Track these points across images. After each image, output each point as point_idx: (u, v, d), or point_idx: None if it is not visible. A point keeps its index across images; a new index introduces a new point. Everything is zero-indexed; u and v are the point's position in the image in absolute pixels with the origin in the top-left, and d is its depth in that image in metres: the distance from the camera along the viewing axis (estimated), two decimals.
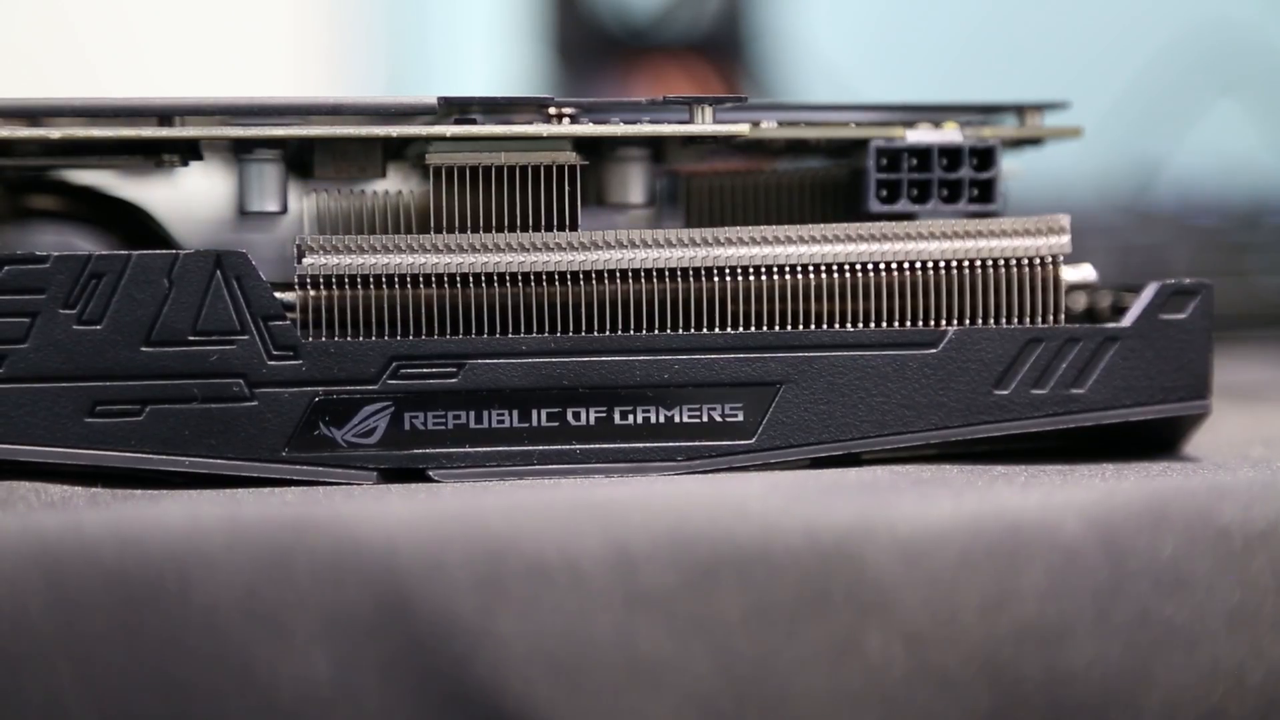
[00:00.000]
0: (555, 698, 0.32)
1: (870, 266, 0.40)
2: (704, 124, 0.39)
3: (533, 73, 1.11)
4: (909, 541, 0.33)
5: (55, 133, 0.38)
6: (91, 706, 0.32)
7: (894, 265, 0.40)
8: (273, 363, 0.38)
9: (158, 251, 0.38)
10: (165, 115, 0.38)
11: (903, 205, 0.41)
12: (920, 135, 0.41)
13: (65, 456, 0.38)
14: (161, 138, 0.38)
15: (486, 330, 0.39)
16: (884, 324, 0.40)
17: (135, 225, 0.45)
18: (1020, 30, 1.28)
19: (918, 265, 0.40)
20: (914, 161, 0.41)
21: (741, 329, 0.39)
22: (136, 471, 0.38)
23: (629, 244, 0.39)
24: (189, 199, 0.56)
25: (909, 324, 0.40)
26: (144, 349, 0.38)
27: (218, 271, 0.38)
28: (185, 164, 0.40)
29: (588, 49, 1.07)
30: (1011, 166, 0.42)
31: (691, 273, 0.39)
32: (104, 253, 0.38)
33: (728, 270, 0.39)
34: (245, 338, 0.38)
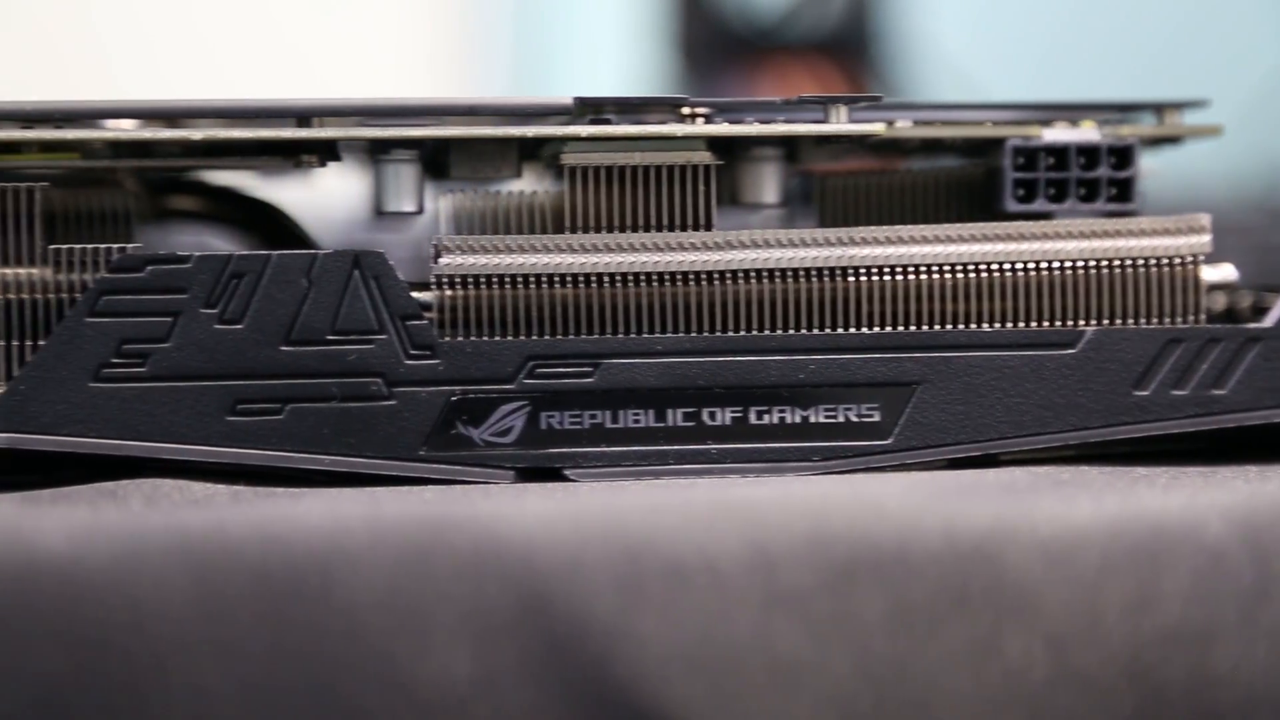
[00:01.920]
0: (693, 698, 0.32)
1: (1007, 266, 0.39)
2: (839, 123, 0.39)
3: (656, 73, 1.11)
4: (1050, 543, 0.33)
5: (197, 134, 0.39)
6: (235, 703, 0.32)
7: (1031, 265, 0.39)
8: (410, 362, 0.38)
9: (297, 251, 0.38)
10: (304, 116, 0.39)
11: (1040, 204, 0.40)
12: (1057, 134, 0.40)
13: (207, 454, 0.38)
14: (300, 138, 0.39)
15: (622, 330, 0.39)
16: (1021, 324, 0.39)
17: (273, 225, 0.46)
18: (1151, 27, 1.27)
19: (1055, 265, 0.39)
20: (1051, 160, 0.40)
21: (877, 329, 0.39)
22: (276, 469, 0.38)
23: (764, 244, 0.39)
24: (318, 199, 0.56)
25: (1046, 324, 0.39)
26: (284, 348, 0.38)
27: (356, 271, 0.38)
28: (323, 164, 0.40)
29: (712, 49, 1.07)
30: (1150, 165, 0.42)
31: (827, 272, 0.39)
32: (244, 253, 0.38)
33: (863, 270, 0.39)
34: (383, 337, 0.38)
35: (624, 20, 1.21)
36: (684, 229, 0.39)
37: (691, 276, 0.39)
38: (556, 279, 0.39)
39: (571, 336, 0.39)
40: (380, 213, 0.40)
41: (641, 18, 1.14)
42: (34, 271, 0.38)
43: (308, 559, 0.32)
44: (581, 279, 0.39)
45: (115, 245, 0.38)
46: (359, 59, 1.26)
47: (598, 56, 1.30)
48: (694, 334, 0.39)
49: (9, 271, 0.38)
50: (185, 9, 1.24)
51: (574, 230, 0.39)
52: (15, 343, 0.38)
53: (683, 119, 0.40)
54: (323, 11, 1.28)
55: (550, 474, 0.39)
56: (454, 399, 0.38)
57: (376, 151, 0.40)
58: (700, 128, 0.39)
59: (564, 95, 0.39)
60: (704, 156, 0.39)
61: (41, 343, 0.38)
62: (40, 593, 0.31)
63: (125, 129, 0.39)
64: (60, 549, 0.31)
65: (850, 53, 1.06)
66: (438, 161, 0.42)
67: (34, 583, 0.31)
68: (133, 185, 0.41)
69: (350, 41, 1.28)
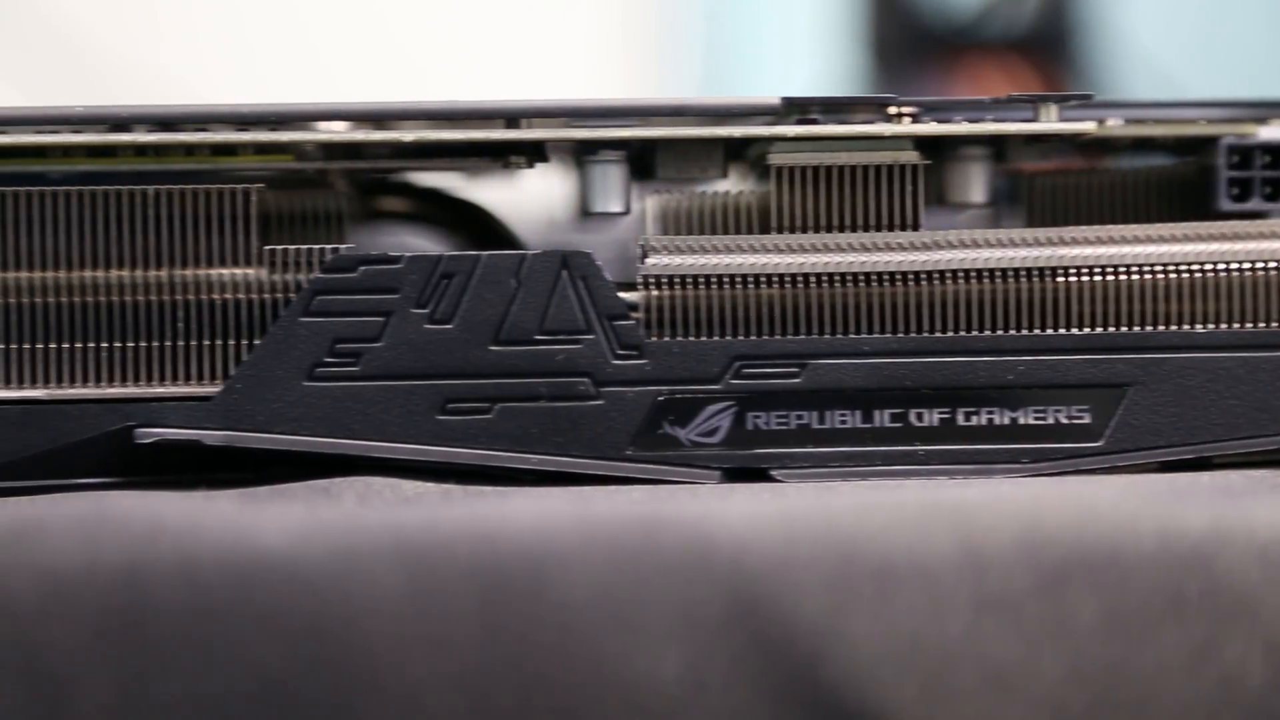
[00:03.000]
0: (903, 701, 0.32)
1: (1221, 266, 0.39)
2: (1050, 122, 0.39)
3: (848, 72, 1.11)
4: (1268, 547, 0.33)
5: (409, 135, 0.39)
6: (446, 698, 0.32)
7: (1246, 265, 0.39)
8: (617, 362, 0.38)
9: (506, 252, 0.39)
10: (512, 118, 0.39)
11: (1255, 204, 0.40)
12: (1274, 132, 0.40)
13: (417, 453, 0.38)
14: (510, 139, 0.39)
15: (828, 330, 0.39)
16: (1235, 325, 0.39)
17: (480, 226, 0.46)
18: None
19: (1271, 265, 0.39)
20: (1267, 159, 0.40)
21: (1087, 330, 0.39)
22: (485, 468, 0.39)
23: (972, 244, 0.39)
24: (511, 199, 0.57)
25: (1261, 325, 0.39)
26: (492, 348, 0.38)
27: (564, 272, 0.38)
28: (531, 166, 0.40)
29: (905, 48, 1.07)
30: None
31: (1036, 273, 0.39)
32: (454, 253, 0.38)
33: (1073, 270, 0.39)
34: (591, 337, 0.38)
35: (814, 19, 1.21)
36: (891, 229, 0.39)
37: (899, 277, 0.39)
38: (763, 279, 0.39)
39: (778, 337, 0.39)
40: (587, 213, 0.41)
41: (832, 17, 1.14)
42: (249, 272, 0.38)
43: (519, 558, 0.33)
44: (788, 279, 0.39)
45: (328, 246, 0.38)
46: (551, 60, 1.27)
47: (788, 56, 1.29)
48: (901, 335, 0.39)
49: (225, 272, 0.38)
50: (388, 12, 1.26)
51: (780, 230, 0.39)
52: (231, 342, 0.38)
53: (890, 119, 0.39)
54: (515, 12, 1.29)
55: (756, 474, 0.39)
56: (661, 399, 0.38)
57: (583, 152, 0.40)
58: (908, 127, 0.39)
59: (770, 95, 0.39)
60: (911, 156, 0.39)
61: (257, 342, 0.38)
62: (261, 588, 0.32)
63: (337, 130, 0.40)
64: (280, 545, 0.32)
65: (1045, 51, 1.05)
66: (643, 162, 0.42)
67: (255, 578, 0.32)
68: (343, 186, 0.42)
69: (540, 42, 1.29)
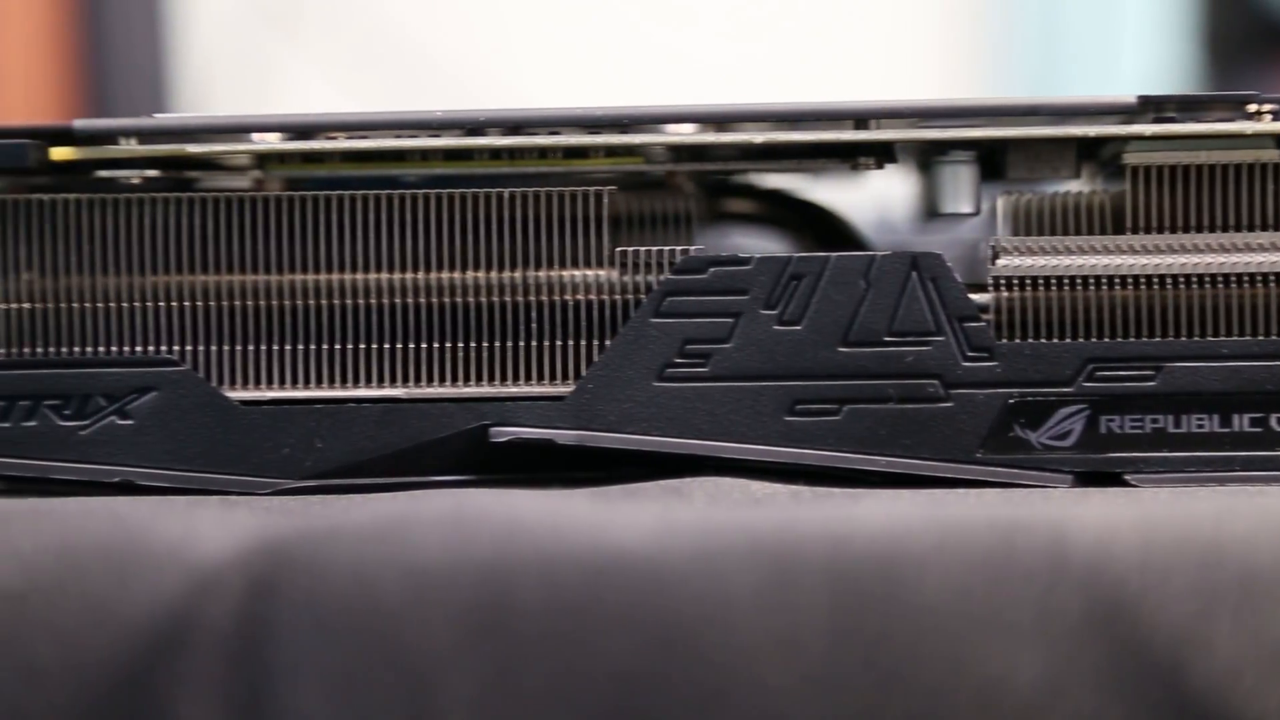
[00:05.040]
0: (1269, 709, 0.31)
1: None
2: None
3: (1178, 68, 1.08)
4: None
5: (759, 137, 0.39)
6: (800, 700, 0.32)
7: None
8: (967, 364, 0.38)
9: (855, 253, 0.38)
10: (861, 118, 0.39)
11: None
12: None
13: (765, 454, 0.38)
14: (859, 140, 0.39)
15: (1185, 332, 0.38)
16: None
17: (824, 228, 0.46)
18: None
19: None
20: None
21: None
22: (832, 470, 0.38)
23: None
24: (848, 200, 0.57)
25: None
26: (841, 349, 0.38)
27: (913, 273, 0.38)
28: (880, 167, 0.40)
29: (1241, 43, 1.04)
30: None
31: None
32: (804, 254, 0.38)
33: None
34: (940, 339, 0.38)
35: (1142, 16, 1.19)
36: (1250, 229, 0.38)
37: (1259, 278, 0.38)
38: (1117, 280, 0.38)
39: (1132, 339, 0.38)
40: (935, 214, 0.40)
41: (1163, 13, 1.12)
42: (600, 273, 0.39)
43: (872, 560, 0.32)
44: (1143, 280, 0.38)
45: (678, 248, 0.39)
46: (874, 59, 1.26)
47: (1115, 53, 1.27)
48: (1262, 337, 0.38)
49: (577, 273, 0.39)
50: (724, 14, 1.26)
51: (1135, 231, 0.38)
52: (583, 342, 0.39)
53: (1250, 116, 0.38)
54: (840, 12, 1.29)
55: (1109, 479, 0.38)
56: (1011, 401, 0.38)
57: (933, 153, 0.40)
58: (1270, 125, 0.38)
59: (1126, 94, 0.38)
60: (1273, 155, 0.38)
61: (608, 343, 0.39)
62: (619, 587, 0.32)
63: (686, 133, 0.40)
64: (637, 545, 0.32)
65: None
66: (991, 162, 0.41)
67: (613, 577, 0.32)
68: (690, 188, 0.42)
69: (871, 42, 1.29)
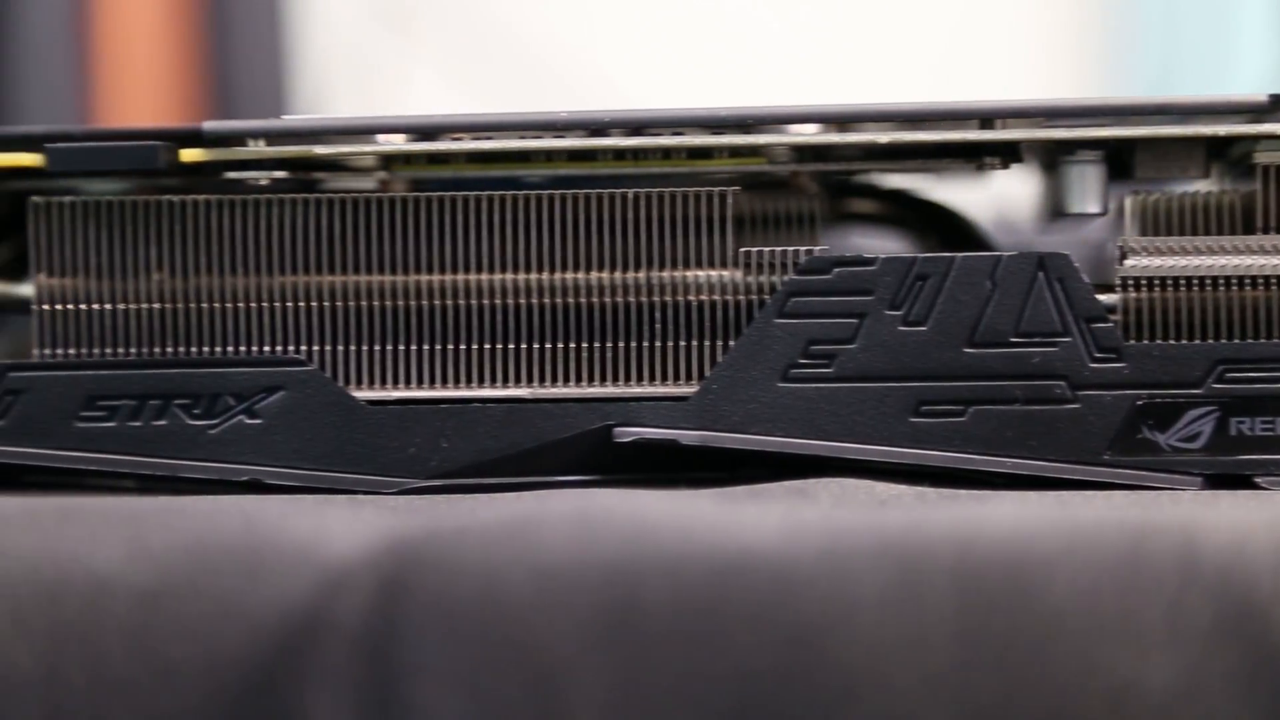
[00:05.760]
0: None
1: None
2: None
3: None
4: None
5: (884, 137, 0.39)
6: (927, 701, 0.32)
7: None
8: (1095, 365, 0.38)
9: (981, 254, 0.38)
10: (987, 118, 0.39)
11: None
12: None
13: (889, 455, 0.38)
14: (984, 140, 0.39)
15: None
16: None
17: (948, 227, 0.46)
18: None
19: None
20: None
21: None
22: (958, 471, 0.38)
23: None
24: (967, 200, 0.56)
25: None
26: (966, 350, 0.38)
27: (1040, 273, 0.38)
28: (1006, 166, 0.40)
29: None
30: None
31: None
32: (929, 255, 0.38)
33: None
34: (1068, 339, 0.38)
35: (1261, 14, 1.18)
36: None
37: None
38: (1248, 281, 0.38)
39: (1263, 340, 0.38)
40: (1060, 214, 0.40)
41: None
42: (724, 273, 0.39)
43: (1001, 562, 0.32)
44: (1274, 281, 0.38)
45: (802, 248, 0.39)
46: (998, 56, 1.25)
47: (1234, 51, 1.26)
48: None
49: (701, 273, 0.39)
50: (844, 14, 1.26)
51: (1265, 230, 0.38)
52: (706, 343, 0.39)
53: None
54: (958, 11, 1.28)
55: (1239, 481, 0.38)
56: (1139, 403, 0.38)
57: (1060, 152, 0.39)
58: None
59: (1257, 93, 0.38)
60: None
61: (731, 343, 0.39)
62: (747, 587, 0.32)
63: (809, 133, 0.40)
64: (764, 545, 0.32)
65: None
66: (1119, 161, 0.41)
67: (741, 577, 0.32)
68: (813, 189, 0.42)
69: (987, 40, 1.28)
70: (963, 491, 0.38)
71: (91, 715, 0.32)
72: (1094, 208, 0.40)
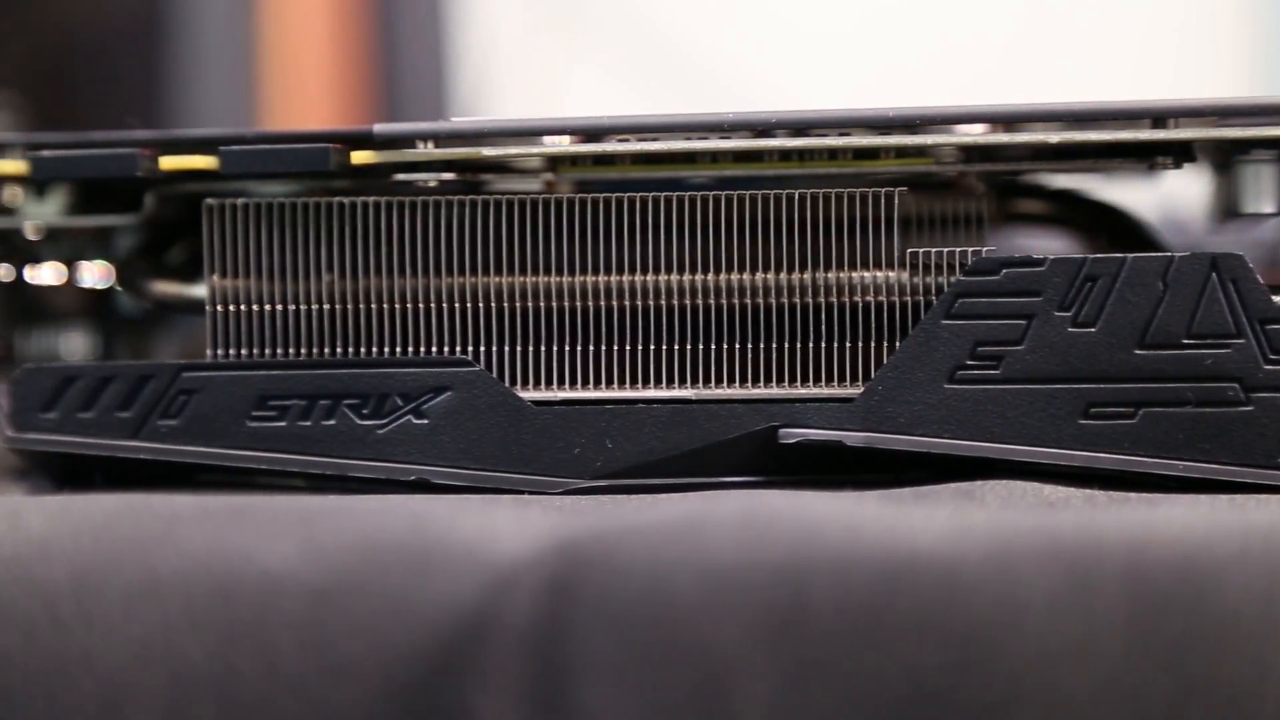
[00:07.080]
0: None
1: None
2: None
3: None
4: None
5: (1054, 137, 0.39)
6: (1097, 705, 0.32)
7: None
8: (1269, 367, 0.37)
9: (1153, 254, 0.38)
10: (1159, 117, 0.38)
11: None
12: None
13: (1057, 457, 0.38)
14: (1157, 139, 0.38)
15: None
16: None
17: (1117, 228, 0.45)
18: None
19: None
20: None
21: None
22: (1128, 474, 0.38)
23: None
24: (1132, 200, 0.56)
25: None
26: (1137, 351, 0.38)
27: (1213, 274, 0.37)
28: (1178, 166, 0.40)
29: None
30: None
31: None
32: (1099, 255, 0.38)
33: None
34: (1241, 341, 0.37)
35: None
36: None
37: None
38: None
39: None
40: (1233, 214, 0.40)
41: None
42: (890, 274, 0.39)
43: (1173, 565, 0.32)
44: None
45: (969, 249, 0.38)
46: (1169, 54, 1.24)
47: None
48: None
49: (867, 274, 0.39)
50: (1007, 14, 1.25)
51: None
52: (871, 344, 0.39)
53: None
54: (1097, 10, 1.27)
55: None
56: None
57: (1234, 152, 0.39)
58: None
59: None
60: None
61: (897, 344, 0.38)
62: (916, 589, 0.32)
63: (978, 133, 0.39)
64: (934, 547, 0.32)
65: None
66: None
67: (910, 579, 0.32)
68: (980, 189, 0.42)
69: (1157, 36, 1.26)
70: (1133, 495, 0.37)
71: (263, 710, 0.32)
72: (1270, 207, 0.39)
